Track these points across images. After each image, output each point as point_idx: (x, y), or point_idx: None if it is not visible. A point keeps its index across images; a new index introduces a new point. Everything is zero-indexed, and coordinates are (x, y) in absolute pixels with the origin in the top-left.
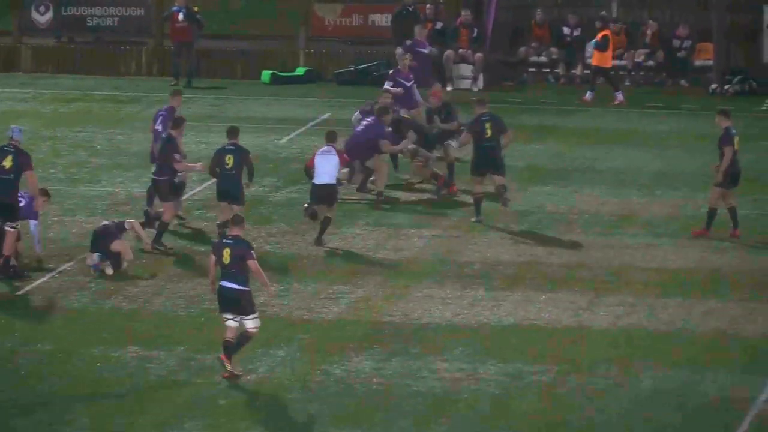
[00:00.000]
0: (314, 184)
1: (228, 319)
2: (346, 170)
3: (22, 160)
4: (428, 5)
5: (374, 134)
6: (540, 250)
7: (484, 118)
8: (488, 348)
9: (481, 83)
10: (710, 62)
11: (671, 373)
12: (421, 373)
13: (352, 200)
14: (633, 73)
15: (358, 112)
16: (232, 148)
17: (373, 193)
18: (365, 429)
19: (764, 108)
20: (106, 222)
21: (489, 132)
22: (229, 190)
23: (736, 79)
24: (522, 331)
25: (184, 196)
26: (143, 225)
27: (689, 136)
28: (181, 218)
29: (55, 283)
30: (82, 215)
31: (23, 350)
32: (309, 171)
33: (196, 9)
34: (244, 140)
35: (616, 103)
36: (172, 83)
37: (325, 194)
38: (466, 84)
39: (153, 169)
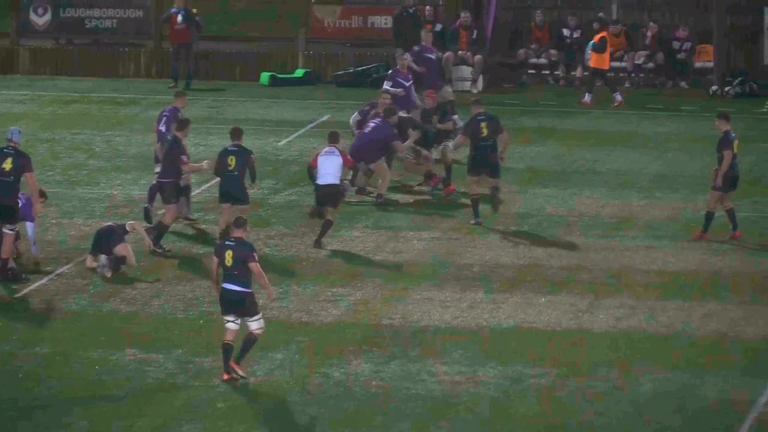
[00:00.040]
0: (318, 185)
1: (229, 321)
2: (350, 176)
3: (23, 162)
4: (428, 7)
5: (383, 135)
6: (540, 253)
7: (480, 118)
8: (488, 351)
9: (480, 85)
10: (710, 64)
11: (671, 375)
12: (420, 376)
13: (351, 202)
14: (633, 75)
15: (356, 114)
16: (235, 149)
17: (372, 195)
18: None
19: (765, 110)
20: (109, 223)
21: (485, 132)
22: (232, 192)
23: (736, 81)
24: (521, 334)
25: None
26: (148, 232)
27: (689, 138)
28: (190, 220)
29: (53, 286)
30: (80, 218)
31: (21, 353)
32: (311, 171)
33: (194, 11)
34: (243, 142)
35: (615, 104)
36: (171, 85)
37: (329, 194)
38: (465, 86)
39: (157, 169)
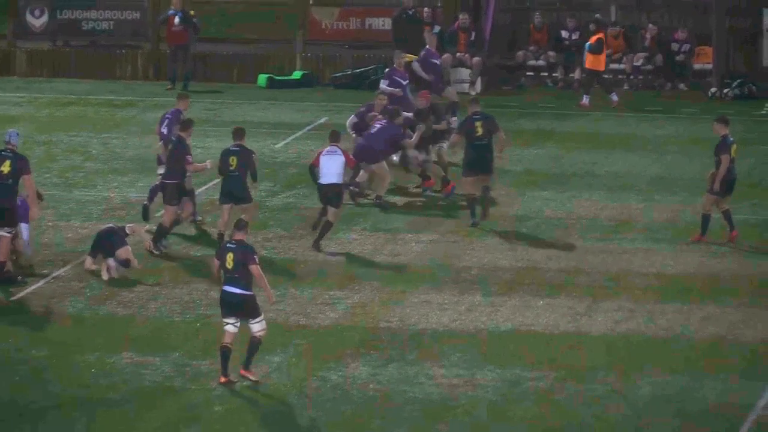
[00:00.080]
0: (320, 184)
1: (228, 324)
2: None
3: (21, 165)
4: (426, 8)
5: (391, 135)
6: (538, 256)
7: (475, 117)
8: (486, 354)
9: (478, 87)
10: (709, 66)
11: (670, 378)
12: (418, 379)
13: (349, 204)
14: (632, 76)
15: (353, 116)
16: (237, 149)
17: (370, 197)
18: None
19: (764, 112)
20: (110, 225)
21: (480, 131)
22: (234, 192)
23: (735, 83)
24: (520, 337)
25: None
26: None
27: (688, 141)
28: (197, 221)
29: (49, 289)
30: (77, 220)
31: (18, 356)
32: (313, 170)
33: (192, 12)
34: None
35: (613, 106)
36: (169, 87)
37: (331, 194)
38: (463, 88)
39: (160, 171)
